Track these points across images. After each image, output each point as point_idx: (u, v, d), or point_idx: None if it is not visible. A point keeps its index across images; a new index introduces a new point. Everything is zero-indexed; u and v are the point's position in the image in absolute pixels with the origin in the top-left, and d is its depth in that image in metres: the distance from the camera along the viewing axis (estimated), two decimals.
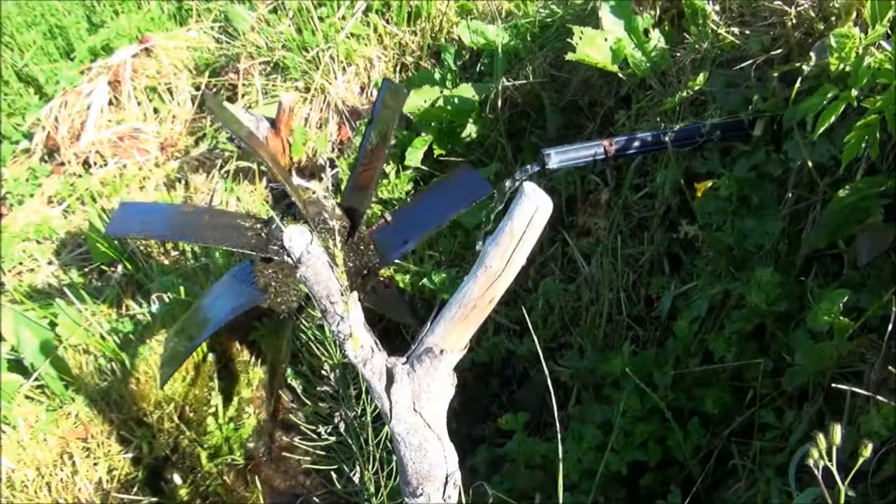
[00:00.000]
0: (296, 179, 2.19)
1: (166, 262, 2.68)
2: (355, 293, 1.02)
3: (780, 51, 1.72)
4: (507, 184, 1.81)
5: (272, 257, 1.83)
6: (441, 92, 2.49)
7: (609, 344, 1.98)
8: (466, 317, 1.02)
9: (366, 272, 2.00)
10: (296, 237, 0.97)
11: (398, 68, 2.98)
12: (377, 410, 1.07)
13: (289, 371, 2.18)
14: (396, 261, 2.29)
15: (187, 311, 2.23)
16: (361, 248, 2.00)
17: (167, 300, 2.45)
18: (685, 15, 1.99)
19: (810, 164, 1.52)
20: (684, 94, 1.83)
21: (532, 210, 0.94)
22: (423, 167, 2.55)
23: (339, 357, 1.36)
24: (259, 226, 1.92)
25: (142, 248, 2.72)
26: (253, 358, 2.46)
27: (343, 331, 1.02)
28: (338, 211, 1.97)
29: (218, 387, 2.33)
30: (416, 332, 1.08)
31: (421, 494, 1.11)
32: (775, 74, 1.66)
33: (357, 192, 2.01)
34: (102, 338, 2.38)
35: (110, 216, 2.78)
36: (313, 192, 1.89)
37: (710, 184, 1.71)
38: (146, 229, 2.01)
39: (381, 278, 2.14)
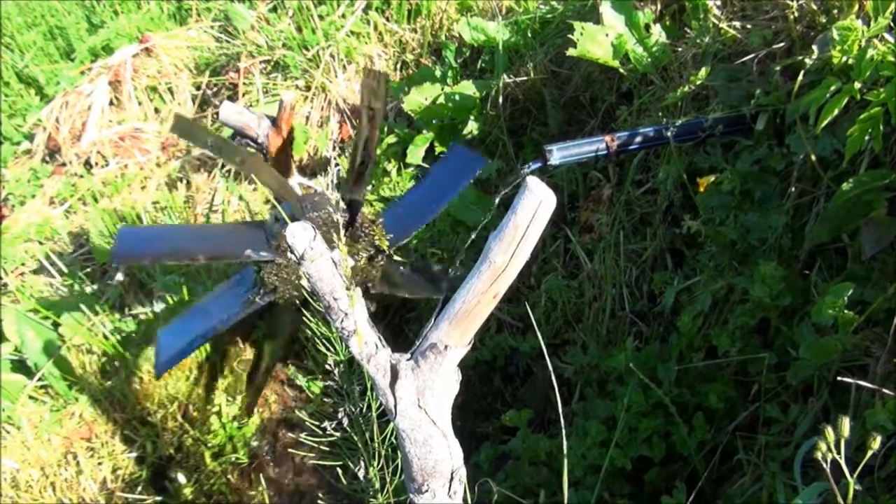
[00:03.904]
0: (298, 177, 2.19)
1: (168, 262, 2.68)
2: (359, 289, 1.02)
3: (782, 44, 1.71)
4: (510, 179, 1.81)
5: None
6: (442, 89, 2.49)
7: (612, 340, 1.98)
8: (470, 312, 1.02)
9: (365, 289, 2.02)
10: (299, 234, 0.97)
11: (399, 66, 2.98)
12: (382, 407, 1.07)
13: (291, 369, 2.18)
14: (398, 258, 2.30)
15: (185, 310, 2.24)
16: (374, 271, 2.02)
17: (169, 300, 2.45)
18: (686, 10, 1.99)
19: (813, 157, 1.52)
20: (686, 89, 1.83)
21: (536, 204, 0.94)
22: (425, 164, 2.54)
23: (344, 353, 1.36)
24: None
25: None
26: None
27: (347, 327, 1.02)
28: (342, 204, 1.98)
29: (221, 386, 2.33)
30: (421, 328, 1.07)
31: (426, 490, 1.11)
32: (777, 68, 1.65)
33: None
34: (105, 337, 2.38)
35: (112, 215, 2.78)
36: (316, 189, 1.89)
37: (712, 178, 1.71)
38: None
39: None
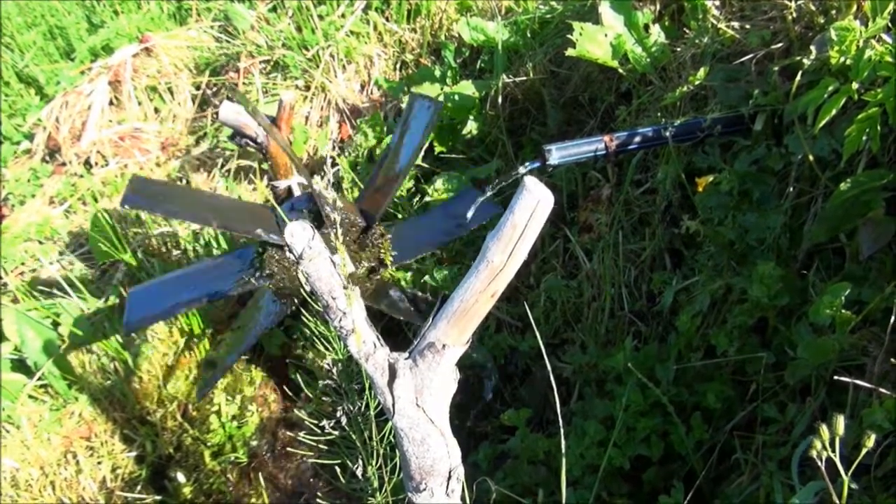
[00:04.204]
0: (297, 177, 2.19)
1: (168, 260, 2.68)
2: (357, 289, 1.02)
3: (780, 45, 1.71)
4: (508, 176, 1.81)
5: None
6: (441, 89, 2.49)
7: (611, 339, 1.98)
8: (468, 311, 1.02)
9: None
10: (298, 233, 0.97)
11: (398, 66, 2.99)
12: (380, 405, 1.07)
13: (291, 369, 2.19)
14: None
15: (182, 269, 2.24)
16: (369, 284, 2.03)
17: None
18: (685, 10, 1.99)
19: (811, 157, 1.52)
20: (685, 89, 1.83)
21: (533, 204, 0.94)
22: (424, 164, 2.55)
23: (342, 352, 1.36)
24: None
25: (143, 247, 2.72)
26: (255, 356, 2.46)
27: (345, 326, 1.02)
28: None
29: (220, 385, 2.34)
30: (419, 327, 1.08)
31: (424, 489, 1.11)
32: (776, 69, 1.66)
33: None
34: (105, 337, 2.38)
35: (113, 216, 2.79)
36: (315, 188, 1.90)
37: (711, 179, 1.71)
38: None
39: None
